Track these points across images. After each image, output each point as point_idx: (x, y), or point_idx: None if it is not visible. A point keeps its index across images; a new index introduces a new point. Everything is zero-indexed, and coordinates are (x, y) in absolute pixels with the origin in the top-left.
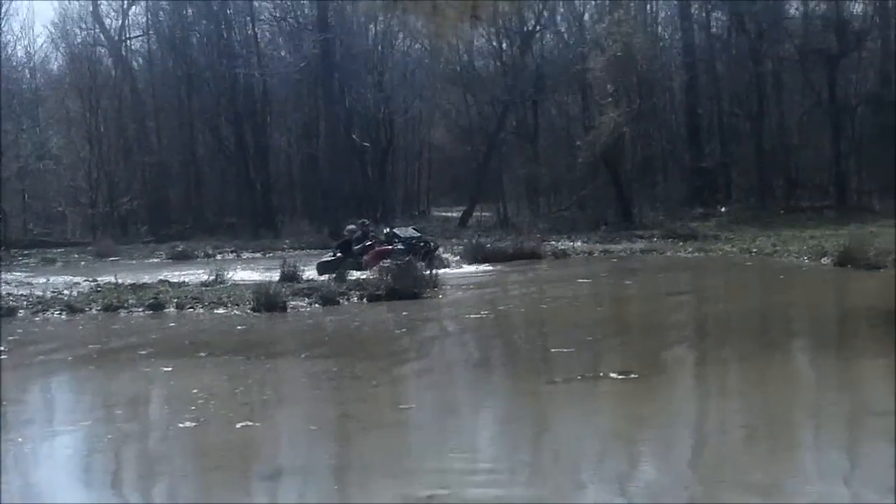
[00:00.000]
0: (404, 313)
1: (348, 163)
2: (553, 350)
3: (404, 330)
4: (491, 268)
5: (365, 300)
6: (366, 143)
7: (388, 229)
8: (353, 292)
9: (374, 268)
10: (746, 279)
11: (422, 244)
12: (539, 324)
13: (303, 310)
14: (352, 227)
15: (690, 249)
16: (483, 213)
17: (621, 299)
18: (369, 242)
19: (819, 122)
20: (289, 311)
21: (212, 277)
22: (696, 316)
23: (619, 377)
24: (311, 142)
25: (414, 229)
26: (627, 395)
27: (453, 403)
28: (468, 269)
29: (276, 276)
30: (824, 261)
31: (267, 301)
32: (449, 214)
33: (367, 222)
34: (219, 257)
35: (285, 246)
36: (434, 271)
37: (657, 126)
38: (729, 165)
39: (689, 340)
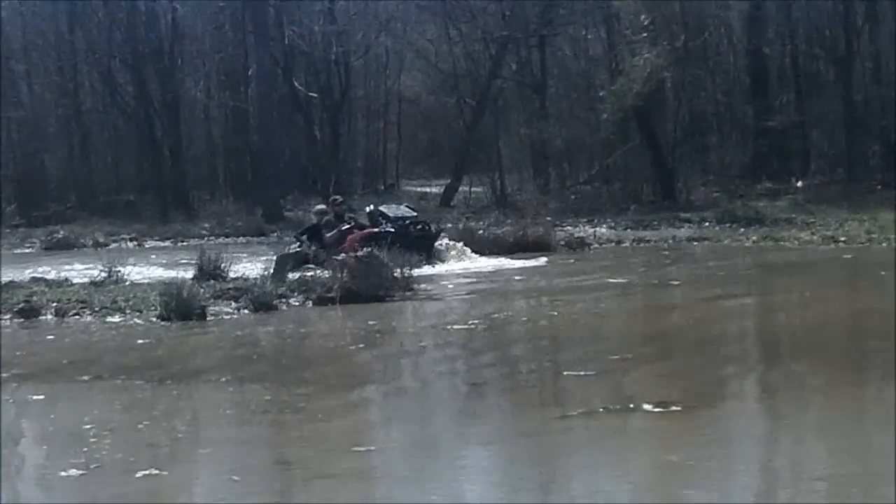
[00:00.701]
0: (367, 322)
1: (288, 121)
2: (566, 373)
3: (363, 345)
4: (519, 263)
5: (312, 304)
6: (312, 94)
7: (370, 207)
8: (296, 294)
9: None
10: (831, 279)
11: (418, 227)
12: (548, 337)
13: (228, 317)
14: (321, 207)
15: (754, 238)
16: (472, 189)
17: (659, 305)
18: (346, 226)
19: None
20: (209, 319)
21: (104, 274)
22: (761, 328)
23: (656, 410)
24: (238, 92)
25: (408, 207)
26: (666, 434)
27: (428, 446)
28: (480, 262)
29: (191, 272)
30: None
31: (179, 306)
32: (426, 190)
33: (341, 200)
34: (113, 247)
35: (204, 232)
36: (433, 264)
37: (709, 72)
38: (806, 125)
39: (752, 361)
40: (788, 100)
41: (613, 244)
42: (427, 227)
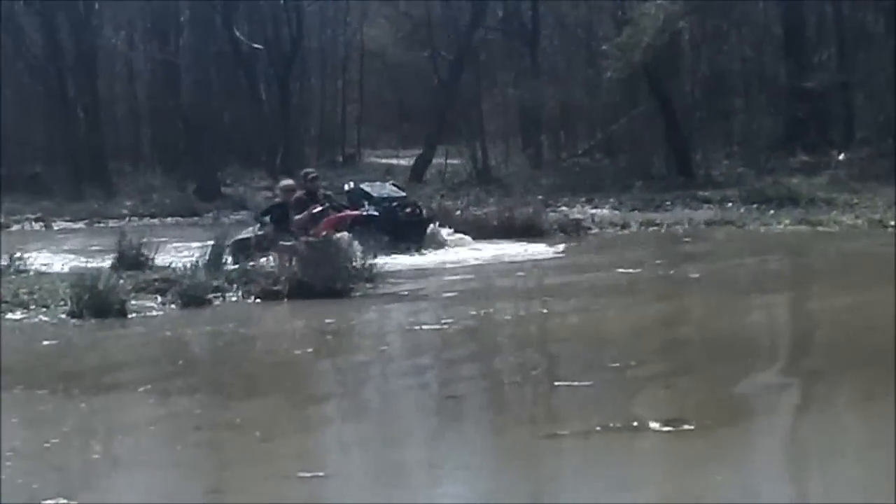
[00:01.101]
0: (320, 322)
1: (228, 78)
2: (558, 384)
3: (314, 349)
4: (543, 250)
5: (255, 300)
6: (257, 46)
7: (350, 184)
8: (234, 288)
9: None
10: (878, 273)
11: (407, 210)
12: (536, 341)
13: (153, 315)
14: (288, 183)
15: (787, 221)
16: (449, 161)
17: (670, 303)
18: (319, 208)
19: None
20: (130, 316)
21: (3, 262)
22: (793, 333)
23: (664, 429)
24: (167, 43)
25: (394, 185)
26: (676, 458)
27: (390, 472)
28: (484, 251)
29: (109, 260)
30: None
31: (94, 301)
32: (393, 162)
33: (315, 174)
34: (15, 229)
35: (125, 212)
36: (418, 251)
37: (733, 22)
38: (850, 86)
39: (780, 372)
40: (829, 56)
41: (618, 228)
42: (418, 210)
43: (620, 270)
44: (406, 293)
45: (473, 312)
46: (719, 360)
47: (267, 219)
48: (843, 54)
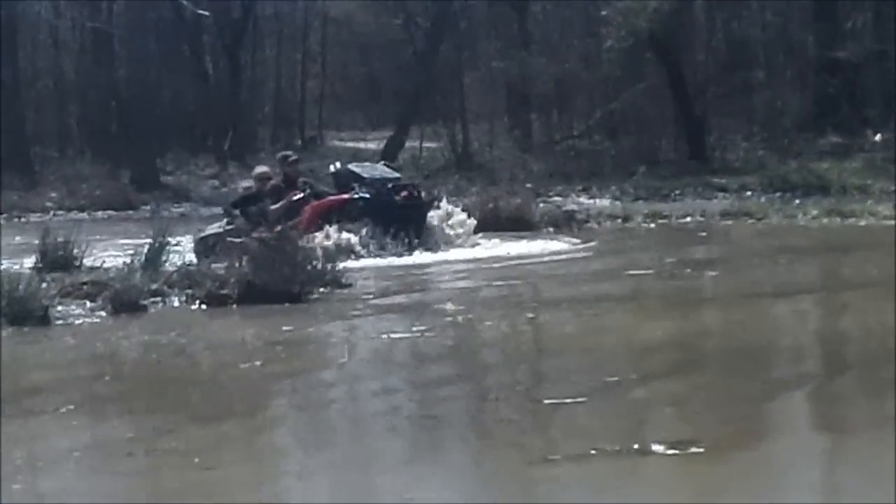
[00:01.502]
0: (273, 330)
1: (169, 50)
2: (548, 401)
3: (261, 362)
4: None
5: (200, 305)
6: (203, 13)
7: (336, 165)
8: (176, 291)
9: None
10: None
11: (403, 192)
12: (522, 353)
13: (80, 323)
14: (262, 170)
15: (814, 212)
16: (425, 145)
17: (681, 309)
18: (300, 194)
19: None
20: (54, 324)
21: None
22: (820, 342)
23: (669, 452)
24: (99, 10)
25: (387, 165)
26: (682, 485)
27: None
28: (501, 247)
29: (30, 260)
30: None
31: (12, 306)
32: (360, 146)
33: (295, 157)
34: None
35: (49, 204)
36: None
37: None
38: (888, 57)
39: (807, 384)
40: (864, 22)
41: (619, 221)
42: (416, 193)
43: (628, 273)
44: (378, 295)
45: (450, 319)
46: (736, 375)
47: (237, 212)
48: (879, 20)
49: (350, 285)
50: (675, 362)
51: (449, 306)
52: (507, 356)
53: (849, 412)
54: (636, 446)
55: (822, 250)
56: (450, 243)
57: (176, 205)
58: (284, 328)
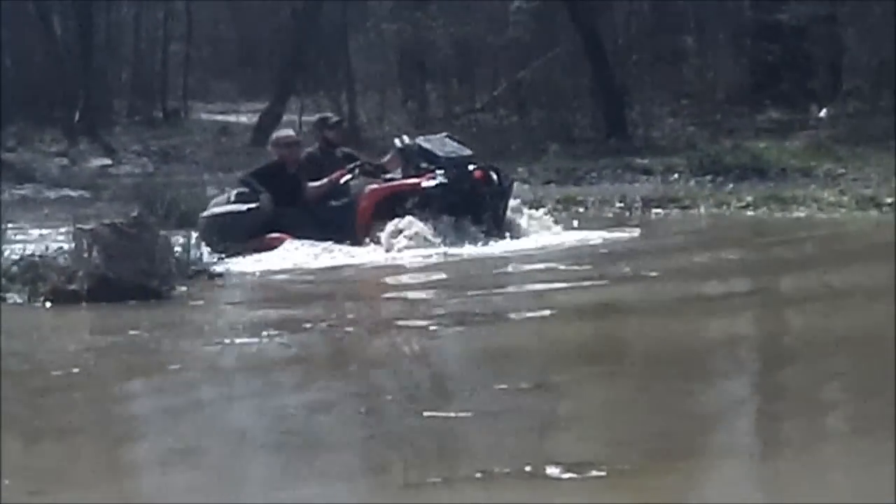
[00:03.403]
0: (122, 332)
1: (13, 8)
2: (428, 414)
3: (102, 370)
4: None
5: (45, 302)
6: None
7: (402, 140)
8: (17, 286)
9: (375, 233)
10: (870, 267)
11: (478, 174)
12: (403, 358)
13: None
14: (286, 133)
15: (750, 199)
16: (305, 118)
17: (591, 307)
18: (352, 171)
19: None
20: None
21: None
22: (753, 351)
23: (566, 475)
24: None
25: (450, 138)
26: None
27: None
28: (563, 236)
29: None
30: None
31: None
32: (230, 119)
33: (334, 118)
34: None
35: None
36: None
37: None
38: (836, 22)
39: (730, 400)
40: None
41: (528, 206)
42: (497, 175)
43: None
44: (248, 290)
45: (324, 321)
46: (648, 389)
47: (260, 185)
48: None
49: (220, 276)
50: (579, 373)
51: (320, 301)
52: (377, 363)
53: (777, 432)
54: (528, 468)
55: (756, 244)
56: (524, 233)
57: (18, 186)
58: (131, 332)
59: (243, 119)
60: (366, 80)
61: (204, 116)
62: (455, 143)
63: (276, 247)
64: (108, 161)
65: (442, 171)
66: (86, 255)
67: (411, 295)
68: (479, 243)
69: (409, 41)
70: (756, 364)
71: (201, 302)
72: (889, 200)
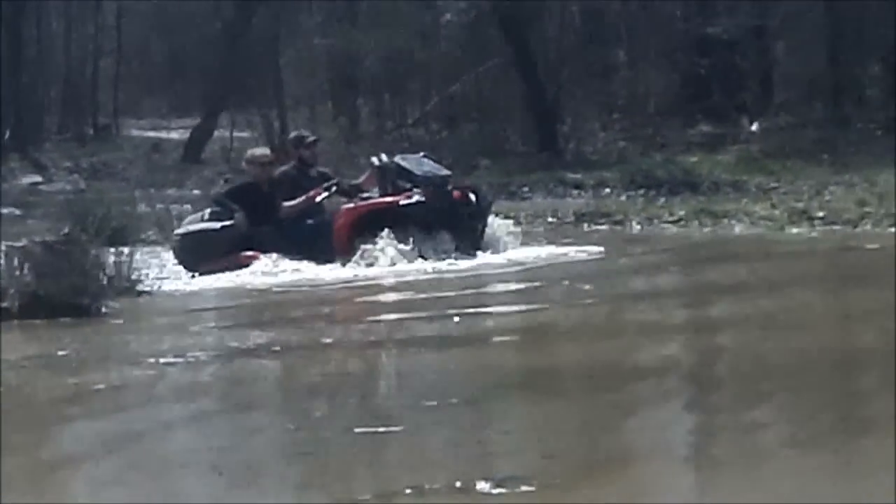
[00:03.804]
0: (48, 351)
1: None
2: (359, 430)
3: (23, 392)
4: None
5: None
6: None
7: (379, 159)
8: None
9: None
10: (805, 285)
11: (457, 194)
12: (332, 376)
13: None
14: (261, 152)
15: (682, 213)
16: (237, 134)
17: (525, 325)
18: (324, 193)
19: None
20: None
21: None
22: (689, 362)
23: (496, 491)
24: None
25: (428, 158)
26: None
27: None
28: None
29: None
30: None
31: None
32: (161, 135)
33: (310, 137)
34: None
35: None
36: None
37: None
38: (768, 35)
39: (665, 410)
40: None
41: None
42: (475, 194)
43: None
44: (180, 307)
45: (261, 340)
46: (581, 401)
47: (235, 204)
48: None
49: (149, 293)
50: (510, 385)
51: (258, 314)
52: (313, 380)
53: (715, 446)
54: (458, 484)
55: (686, 259)
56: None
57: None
58: (60, 352)
59: (174, 135)
60: (297, 95)
61: (135, 133)
62: (432, 163)
63: (248, 265)
64: (38, 178)
65: (419, 190)
66: (17, 272)
67: (352, 313)
68: (449, 260)
69: (340, 56)
70: (686, 384)
71: (120, 321)
72: (821, 214)
